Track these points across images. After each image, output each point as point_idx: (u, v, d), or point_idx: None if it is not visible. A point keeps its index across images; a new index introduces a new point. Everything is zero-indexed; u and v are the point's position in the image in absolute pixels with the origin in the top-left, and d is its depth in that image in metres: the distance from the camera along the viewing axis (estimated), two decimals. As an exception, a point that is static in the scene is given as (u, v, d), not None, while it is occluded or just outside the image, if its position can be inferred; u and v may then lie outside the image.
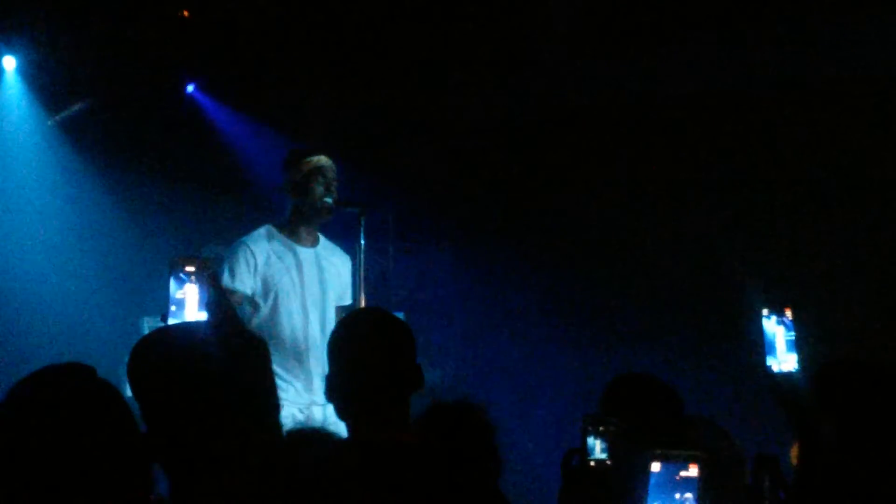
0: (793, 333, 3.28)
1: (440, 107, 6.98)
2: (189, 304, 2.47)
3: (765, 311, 3.29)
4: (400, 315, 3.90)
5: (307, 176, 4.95)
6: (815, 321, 3.73)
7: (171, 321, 2.44)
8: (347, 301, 5.06)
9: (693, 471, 2.29)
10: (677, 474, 2.29)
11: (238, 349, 2.07)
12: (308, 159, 4.99)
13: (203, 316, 2.46)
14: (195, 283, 2.48)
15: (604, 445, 2.73)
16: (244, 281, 4.86)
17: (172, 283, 2.48)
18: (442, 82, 6.92)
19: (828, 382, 3.14)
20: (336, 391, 2.77)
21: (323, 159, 5.00)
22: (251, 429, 2.01)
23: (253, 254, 4.89)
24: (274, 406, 2.09)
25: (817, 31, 6.16)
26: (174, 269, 2.48)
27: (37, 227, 6.97)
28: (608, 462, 2.71)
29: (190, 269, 2.49)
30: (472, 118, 6.96)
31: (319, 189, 4.95)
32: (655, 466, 2.31)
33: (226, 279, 4.75)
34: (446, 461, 2.62)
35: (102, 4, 6.64)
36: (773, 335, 3.27)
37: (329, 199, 4.92)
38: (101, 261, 7.02)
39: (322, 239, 5.11)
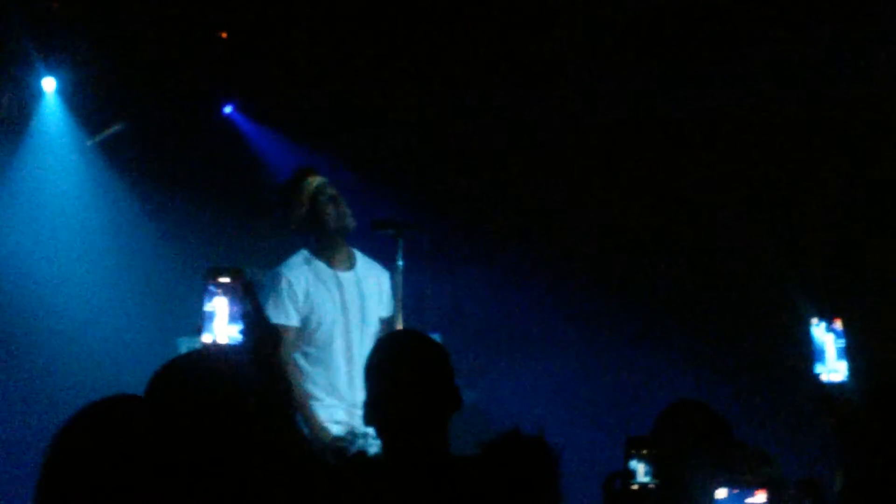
0: (843, 341, 3.22)
1: (479, 127, 6.96)
2: (219, 317, 2.37)
3: (814, 320, 3.23)
4: (436, 336, 3.88)
5: (311, 203, 4.92)
6: (866, 329, 3.66)
7: (204, 335, 2.38)
8: (390, 312, 5.02)
9: (760, 497, 2.22)
10: (743, 501, 2.22)
11: (263, 388, 2.03)
12: (299, 188, 4.95)
13: (234, 329, 2.38)
14: (224, 296, 2.39)
15: (647, 469, 2.68)
16: (289, 313, 4.83)
17: (205, 296, 2.39)
18: (481, 103, 6.89)
19: (882, 402, 3.09)
20: (374, 414, 2.74)
21: (314, 180, 4.97)
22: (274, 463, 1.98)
23: (292, 284, 4.87)
24: (298, 440, 2.07)
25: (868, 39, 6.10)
26: (206, 280, 2.39)
27: (75, 247, 7.00)
28: (651, 486, 2.66)
29: (223, 280, 2.39)
30: (511, 138, 6.93)
31: (329, 209, 4.92)
32: (721, 493, 2.24)
33: (270, 312, 4.72)
34: (486, 489, 2.58)
35: (141, 26, 6.67)
36: (823, 343, 3.22)
37: (347, 218, 4.90)
38: (139, 280, 7.04)
39: (359, 257, 5.09)
